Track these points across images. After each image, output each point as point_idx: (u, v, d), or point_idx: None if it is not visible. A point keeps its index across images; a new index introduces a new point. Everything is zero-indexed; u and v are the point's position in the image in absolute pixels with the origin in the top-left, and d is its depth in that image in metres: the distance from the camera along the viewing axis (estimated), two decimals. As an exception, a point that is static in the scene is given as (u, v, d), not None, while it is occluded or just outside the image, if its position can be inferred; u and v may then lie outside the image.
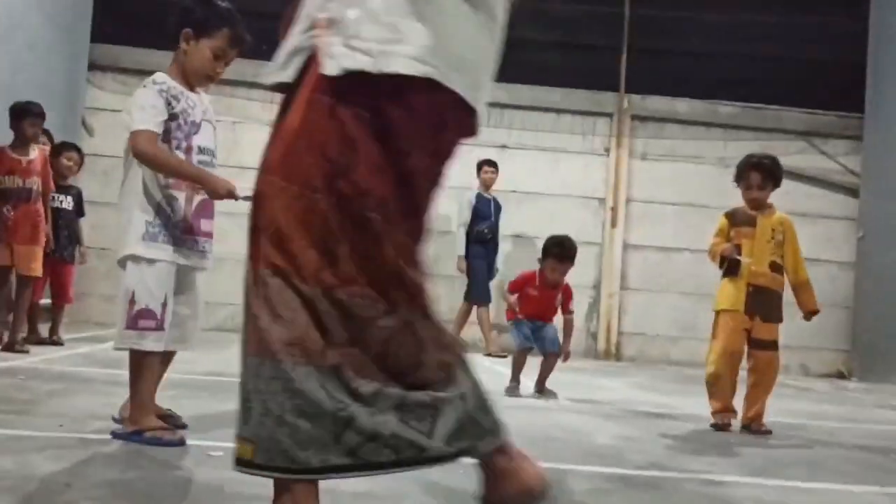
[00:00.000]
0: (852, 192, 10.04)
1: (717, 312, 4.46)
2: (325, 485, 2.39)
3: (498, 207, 9.02)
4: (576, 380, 6.68)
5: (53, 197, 6.28)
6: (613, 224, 9.85)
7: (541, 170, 9.90)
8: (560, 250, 5.13)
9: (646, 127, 10.10)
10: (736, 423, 4.32)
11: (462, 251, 8.78)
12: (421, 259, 1.84)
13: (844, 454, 3.80)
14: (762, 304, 4.34)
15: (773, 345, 4.37)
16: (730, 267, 4.40)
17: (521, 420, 4.10)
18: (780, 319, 4.43)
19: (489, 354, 8.45)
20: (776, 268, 4.40)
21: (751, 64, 10.12)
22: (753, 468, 3.24)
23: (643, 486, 2.74)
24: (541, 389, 5.20)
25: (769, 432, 4.24)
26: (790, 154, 10.04)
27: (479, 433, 1.95)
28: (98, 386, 4.17)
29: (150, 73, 3.11)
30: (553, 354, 5.22)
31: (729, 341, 4.30)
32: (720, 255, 4.44)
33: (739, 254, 4.36)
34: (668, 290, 9.97)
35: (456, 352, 1.92)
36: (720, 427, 4.24)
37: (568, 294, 5.32)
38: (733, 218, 4.58)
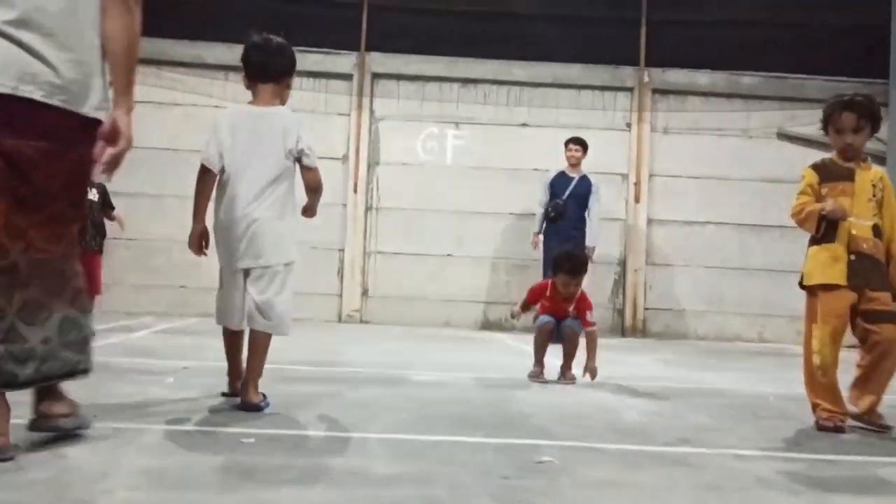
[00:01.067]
0: (879, 159, 9.89)
1: (810, 288, 3.82)
2: (357, 467, 2.43)
3: (583, 186, 8.75)
4: (603, 357, 6.67)
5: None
6: (637, 199, 9.80)
7: (562, 147, 9.84)
8: (570, 265, 4.92)
9: (667, 100, 10.01)
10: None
11: (537, 229, 8.79)
12: None
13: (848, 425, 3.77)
14: (867, 273, 3.60)
15: (894, 316, 3.59)
16: (827, 231, 3.68)
17: (549, 399, 4.12)
18: (888, 289, 3.63)
19: None
20: (877, 232, 3.65)
21: (772, 32, 9.99)
22: (782, 442, 3.23)
23: (672, 463, 2.74)
24: (564, 374, 4.94)
25: (888, 427, 3.58)
26: (814, 123, 9.89)
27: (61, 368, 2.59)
28: (131, 375, 4.23)
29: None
30: (574, 334, 4.98)
31: (836, 323, 3.67)
32: (818, 216, 3.68)
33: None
34: (692, 263, 9.92)
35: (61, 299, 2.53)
36: (834, 429, 3.49)
37: (584, 304, 5.01)
38: (823, 171, 3.83)
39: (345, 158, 9.75)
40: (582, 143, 8.88)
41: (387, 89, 9.90)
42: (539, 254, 8.70)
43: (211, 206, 3.63)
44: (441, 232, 9.77)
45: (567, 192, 8.70)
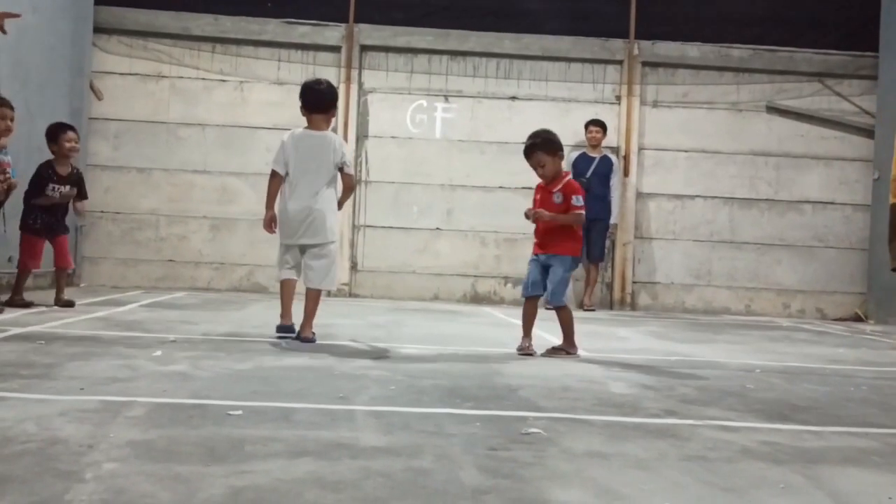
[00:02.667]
0: (867, 132, 9.92)
1: None
2: (344, 439, 2.43)
3: (605, 165, 9.30)
4: (591, 330, 6.70)
5: (54, 187, 6.46)
6: (626, 173, 9.79)
7: (552, 120, 9.77)
8: (525, 151, 5.01)
9: (656, 73, 9.97)
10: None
11: None
12: None
13: (860, 398, 3.80)
14: None
15: None
16: None
17: (537, 371, 4.13)
18: None
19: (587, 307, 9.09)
20: None
21: (762, 4, 9.95)
22: (768, 414, 3.25)
23: (659, 434, 2.76)
24: (556, 348, 4.87)
25: None
26: (804, 96, 9.93)
27: None
28: (118, 349, 4.21)
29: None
30: (553, 307, 4.85)
31: None
32: None
33: None
34: (681, 237, 9.94)
35: None
36: None
37: (569, 189, 4.83)
38: None
39: (333, 132, 9.68)
40: (601, 125, 9.38)
41: (375, 62, 9.83)
42: None
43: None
44: (430, 205, 9.75)
45: (590, 172, 9.19)
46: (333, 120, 5.31)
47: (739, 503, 2.02)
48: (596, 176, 9.18)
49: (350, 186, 5.30)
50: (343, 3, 9.73)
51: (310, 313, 4.90)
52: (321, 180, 4.99)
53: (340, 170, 5.07)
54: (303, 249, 5.01)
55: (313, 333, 4.88)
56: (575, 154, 9.35)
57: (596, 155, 9.34)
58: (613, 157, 9.45)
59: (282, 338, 4.91)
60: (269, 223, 5.03)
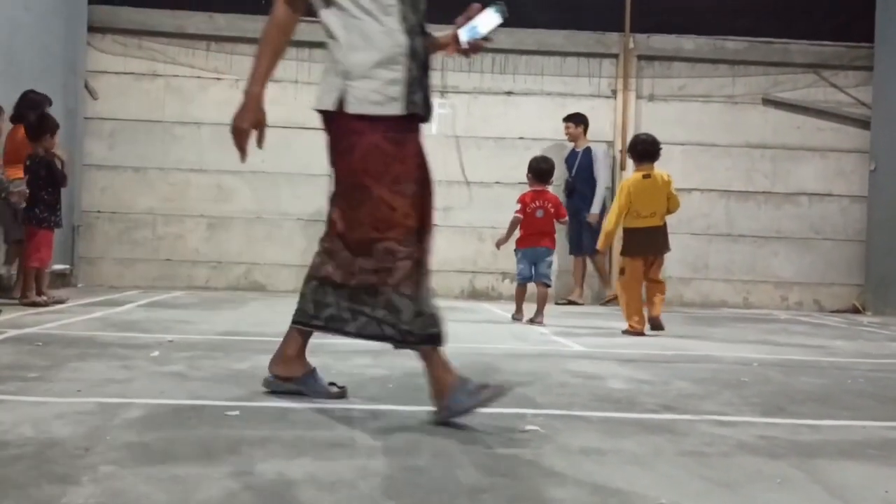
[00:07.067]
0: (863, 123, 9.91)
1: None
2: (342, 438, 2.43)
3: (587, 159, 9.32)
4: (588, 324, 6.71)
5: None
6: (623, 167, 9.78)
7: (548, 115, 9.81)
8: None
9: (652, 67, 9.97)
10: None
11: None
12: None
13: (857, 390, 3.81)
14: None
15: None
16: None
17: (534, 368, 4.14)
18: None
19: (569, 302, 9.24)
20: None
21: (756, -4, 9.95)
22: (765, 407, 3.26)
23: (656, 429, 2.76)
24: (532, 319, 6.54)
25: None
26: (799, 88, 9.92)
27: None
28: (115, 349, 4.21)
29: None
30: (543, 285, 6.68)
31: None
32: None
33: None
34: (678, 231, 9.89)
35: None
36: None
37: (561, 209, 6.93)
38: None
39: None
40: (574, 120, 9.37)
41: (370, 58, 9.80)
42: None
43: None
44: (427, 201, 9.73)
45: (574, 168, 9.32)
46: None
47: (736, 498, 2.02)
48: (581, 171, 9.26)
49: None
50: (337, 0, 9.70)
51: None
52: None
53: None
54: None
55: None
56: (567, 150, 9.48)
57: (579, 149, 9.37)
58: (595, 147, 9.40)
59: None
60: None
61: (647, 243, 6.10)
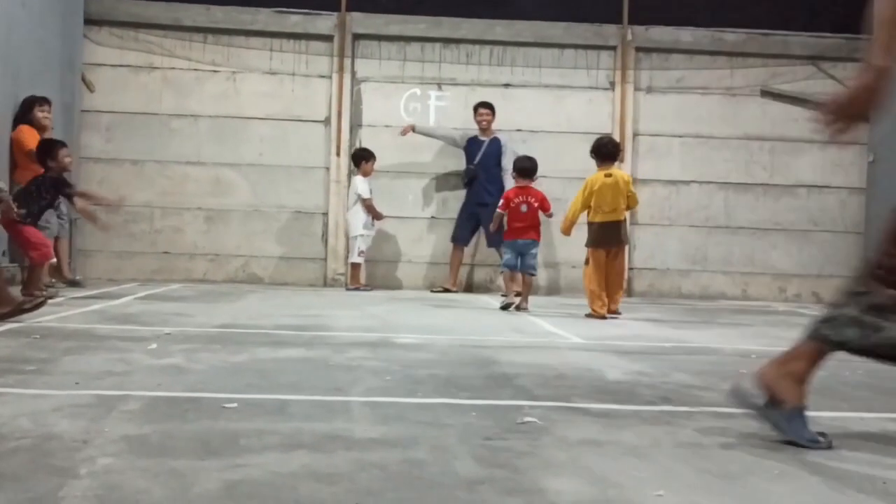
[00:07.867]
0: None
1: None
2: (340, 431, 2.43)
3: (494, 149, 9.16)
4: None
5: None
6: (621, 159, 9.76)
7: (545, 107, 9.80)
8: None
9: (650, 59, 9.95)
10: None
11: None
12: None
13: (855, 381, 3.81)
14: None
15: None
16: None
17: (532, 360, 4.13)
18: None
19: (444, 290, 9.15)
20: None
21: (755, -13, 9.93)
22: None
23: (654, 421, 2.76)
24: (518, 306, 6.91)
25: None
26: (798, 80, 9.91)
27: None
28: (112, 342, 4.21)
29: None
30: (529, 275, 7.11)
31: None
32: None
33: None
34: (677, 223, 9.94)
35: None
36: None
37: (545, 202, 7.16)
38: None
39: (327, 121, 9.66)
40: (490, 107, 9.26)
41: (368, 50, 9.79)
42: None
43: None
44: (425, 194, 9.74)
45: (478, 157, 9.16)
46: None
47: (734, 489, 2.02)
48: (485, 160, 9.10)
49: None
50: (335, -8, 9.69)
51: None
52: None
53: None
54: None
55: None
56: (466, 139, 9.28)
57: (484, 139, 9.19)
58: (502, 137, 9.22)
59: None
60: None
61: (609, 236, 6.75)
